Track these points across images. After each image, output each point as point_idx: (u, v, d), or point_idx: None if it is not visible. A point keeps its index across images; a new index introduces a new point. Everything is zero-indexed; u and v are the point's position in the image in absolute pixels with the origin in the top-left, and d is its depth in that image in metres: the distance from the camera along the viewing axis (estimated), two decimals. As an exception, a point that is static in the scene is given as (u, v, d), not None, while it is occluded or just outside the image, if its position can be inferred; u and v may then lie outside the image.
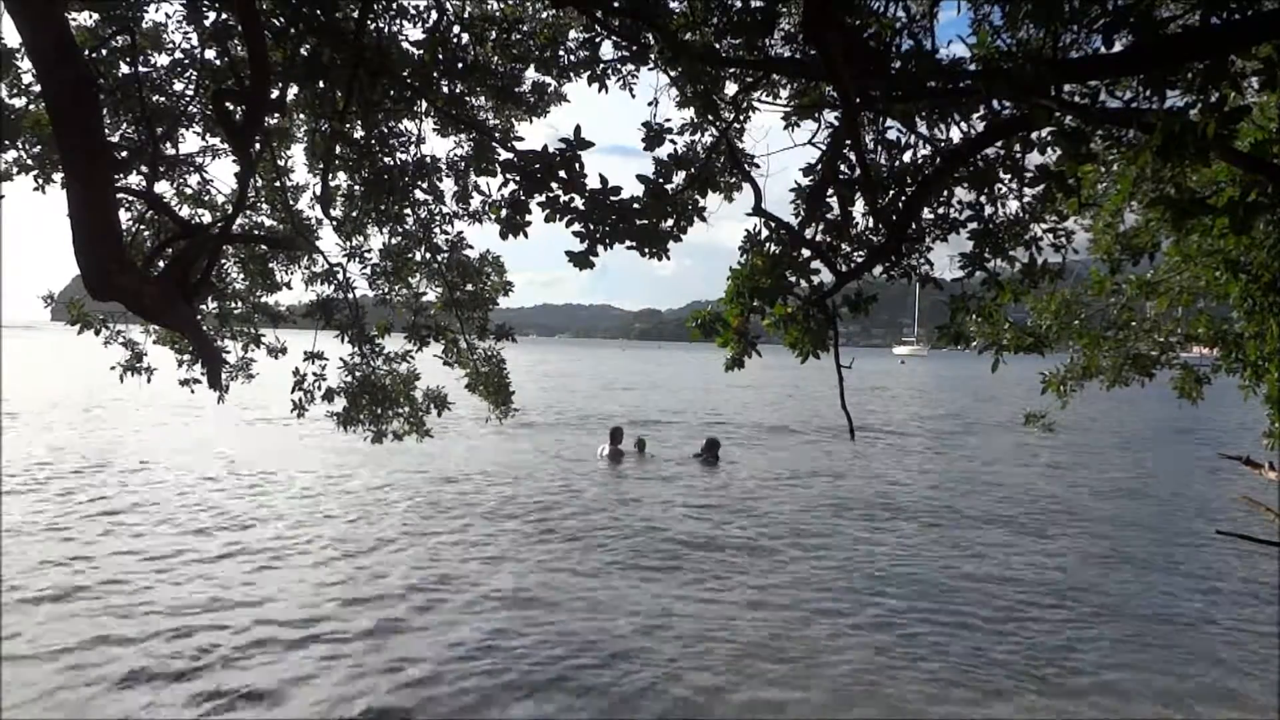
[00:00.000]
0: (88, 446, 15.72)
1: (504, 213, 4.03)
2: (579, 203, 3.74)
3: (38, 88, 5.35)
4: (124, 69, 5.99)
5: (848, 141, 3.93)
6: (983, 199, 4.07)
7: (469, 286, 7.56)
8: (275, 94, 4.94)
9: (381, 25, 5.83)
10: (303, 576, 8.23)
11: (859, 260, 4.25)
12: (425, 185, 6.73)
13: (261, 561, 8.67)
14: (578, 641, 6.75)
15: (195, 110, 6.33)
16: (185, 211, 7.02)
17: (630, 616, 7.36)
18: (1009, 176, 3.93)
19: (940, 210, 4.22)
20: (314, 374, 6.98)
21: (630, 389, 39.41)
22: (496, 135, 5.98)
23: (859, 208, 4.23)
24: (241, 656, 6.23)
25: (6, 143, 5.78)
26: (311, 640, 6.58)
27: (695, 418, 25.44)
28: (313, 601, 7.48)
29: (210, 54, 6.04)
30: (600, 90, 5.77)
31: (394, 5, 5.82)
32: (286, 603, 7.44)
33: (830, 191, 4.18)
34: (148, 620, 6.84)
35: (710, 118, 5.14)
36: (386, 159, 6.54)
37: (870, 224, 4.30)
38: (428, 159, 6.63)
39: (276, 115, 6.19)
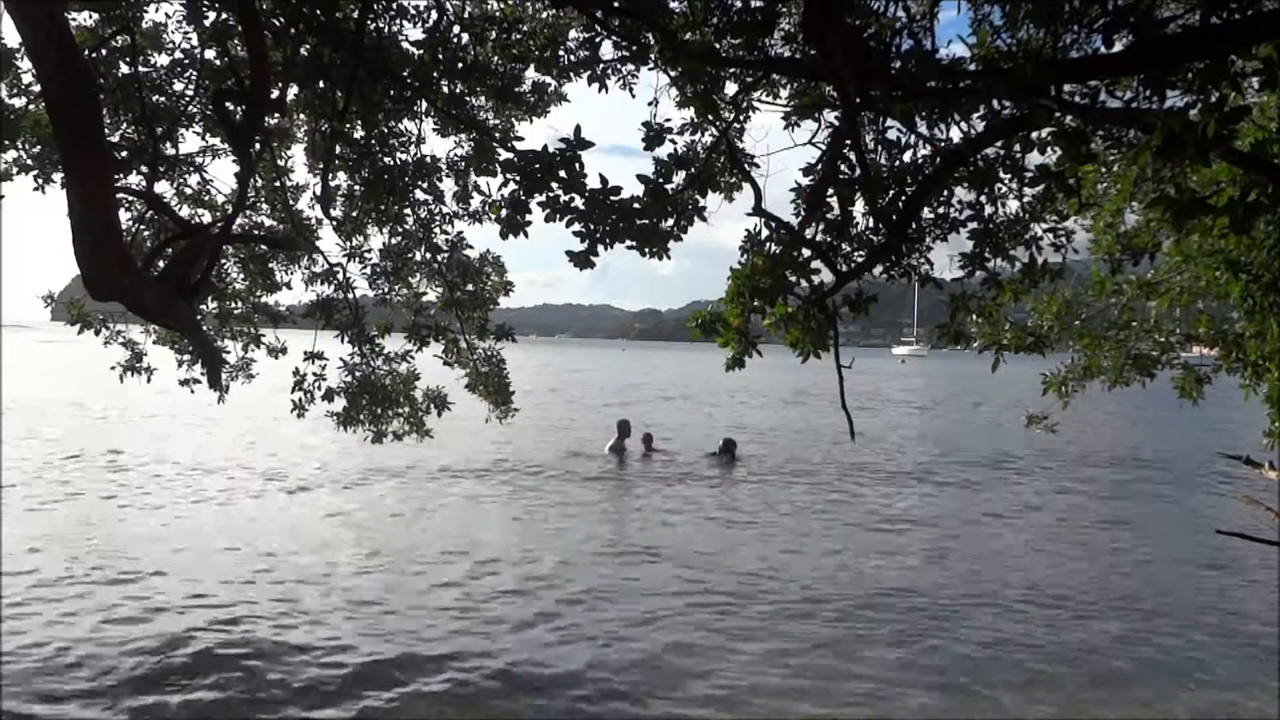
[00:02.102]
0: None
1: (504, 213, 4.03)
2: (579, 203, 3.74)
3: (38, 88, 5.34)
4: (124, 69, 5.99)
5: (848, 141, 3.93)
6: (983, 199, 4.07)
7: (469, 286, 7.57)
8: (275, 94, 4.94)
9: (381, 25, 5.83)
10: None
11: (859, 260, 4.24)
12: (425, 185, 6.73)
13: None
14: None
15: (195, 110, 6.34)
16: (185, 211, 7.03)
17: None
18: (1009, 176, 3.93)
19: (940, 210, 4.22)
20: (314, 374, 6.99)
21: (645, 400, 34.37)
22: (496, 135, 5.98)
23: (859, 208, 4.23)
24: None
25: (6, 143, 5.78)
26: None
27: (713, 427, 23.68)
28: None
29: (210, 54, 6.05)
30: (600, 90, 5.77)
31: (394, 5, 5.82)
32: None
33: (830, 191, 4.18)
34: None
35: (710, 118, 5.14)
36: (386, 159, 6.55)
37: (870, 224, 4.29)
38: (428, 159, 6.64)
39: (276, 115, 6.18)
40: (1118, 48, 2.91)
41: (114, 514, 10.65)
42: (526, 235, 4.11)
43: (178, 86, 6.28)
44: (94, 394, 24.40)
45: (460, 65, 5.94)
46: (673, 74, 4.92)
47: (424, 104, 6.23)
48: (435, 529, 10.48)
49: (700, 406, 31.06)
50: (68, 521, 10.06)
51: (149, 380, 7.17)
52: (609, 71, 5.71)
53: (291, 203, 7.40)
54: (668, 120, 4.52)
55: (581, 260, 3.78)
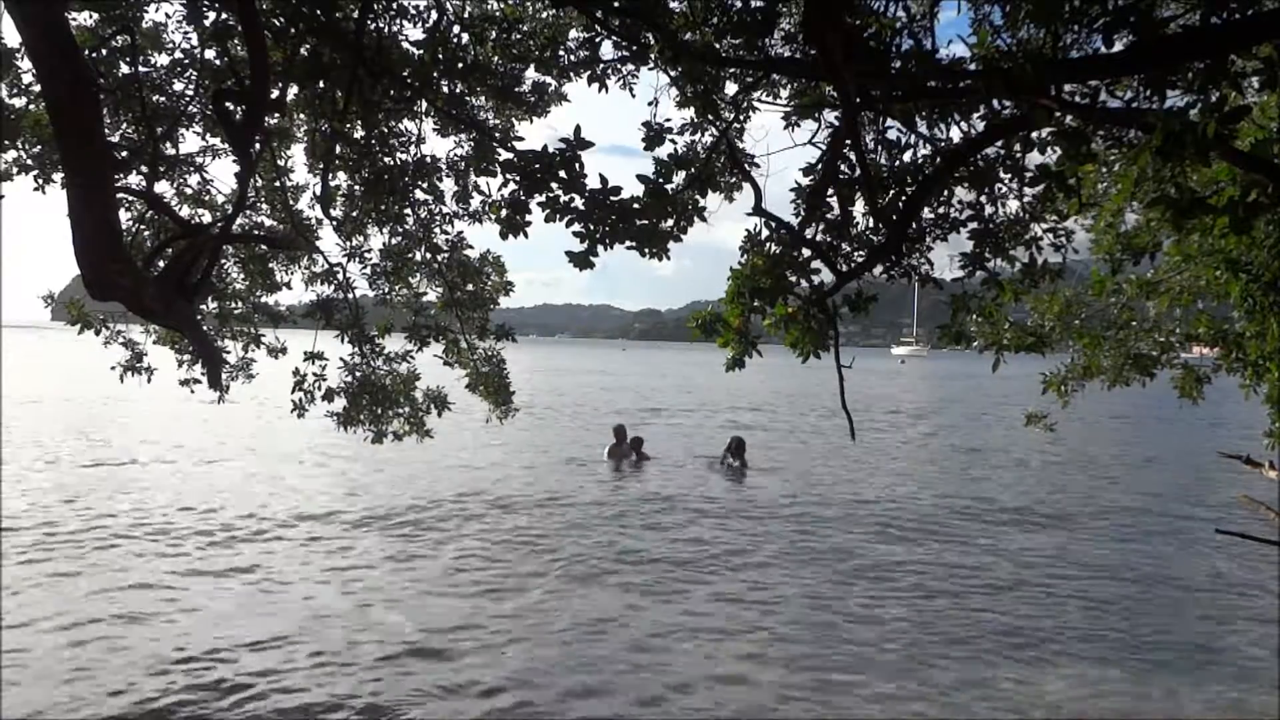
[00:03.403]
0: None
1: (504, 213, 4.03)
2: (579, 203, 3.74)
3: (38, 88, 5.34)
4: (124, 69, 5.98)
5: (848, 141, 3.93)
6: (983, 199, 4.07)
7: (469, 286, 7.55)
8: (275, 94, 4.93)
9: (381, 25, 5.83)
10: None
11: (859, 260, 4.24)
12: (425, 185, 6.72)
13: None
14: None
15: (195, 110, 6.33)
16: (185, 211, 7.02)
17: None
18: (1009, 176, 3.93)
19: (940, 210, 4.22)
20: (314, 374, 6.98)
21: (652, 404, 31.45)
22: (496, 135, 5.98)
23: (859, 208, 4.23)
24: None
25: (6, 143, 5.77)
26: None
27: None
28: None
29: (210, 54, 6.04)
30: (600, 90, 5.77)
31: (394, 5, 5.82)
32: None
33: (830, 191, 4.18)
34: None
35: (710, 118, 5.13)
36: (386, 159, 6.54)
37: (870, 224, 4.30)
38: (428, 159, 6.63)
39: (276, 115, 6.18)
40: (1118, 48, 2.91)
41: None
42: (526, 235, 4.11)
43: (178, 86, 6.27)
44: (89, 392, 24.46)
45: (460, 65, 5.92)
46: (673, 74, 4.92)
47: (424, 104, 6.23)
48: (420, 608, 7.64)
49: (700, 410, 31.04)
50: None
51: (149, 380, 7.17)
52: (609, 71, 5.70)
53: (291, 203, 7.39)
54: (668, 120, 4.53)
55: (581, 260, 3.77)
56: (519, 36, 6.17)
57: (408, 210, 6.94)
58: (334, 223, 7.05)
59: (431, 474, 13.81)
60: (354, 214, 7.05)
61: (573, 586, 8.29)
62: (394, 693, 5.79)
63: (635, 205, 3.79)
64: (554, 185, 3.73)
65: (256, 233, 7.33)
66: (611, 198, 3.70)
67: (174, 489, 12.41)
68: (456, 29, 6.05)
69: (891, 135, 4.31)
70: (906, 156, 4.28)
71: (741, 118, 5.25)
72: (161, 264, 5.48)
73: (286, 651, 6.44)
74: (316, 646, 6.52)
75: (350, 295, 7.41)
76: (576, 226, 3.74)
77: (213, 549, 9.24)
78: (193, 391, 7.28)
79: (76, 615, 7.02)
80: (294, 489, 12.67)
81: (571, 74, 6.19)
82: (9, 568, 8.12)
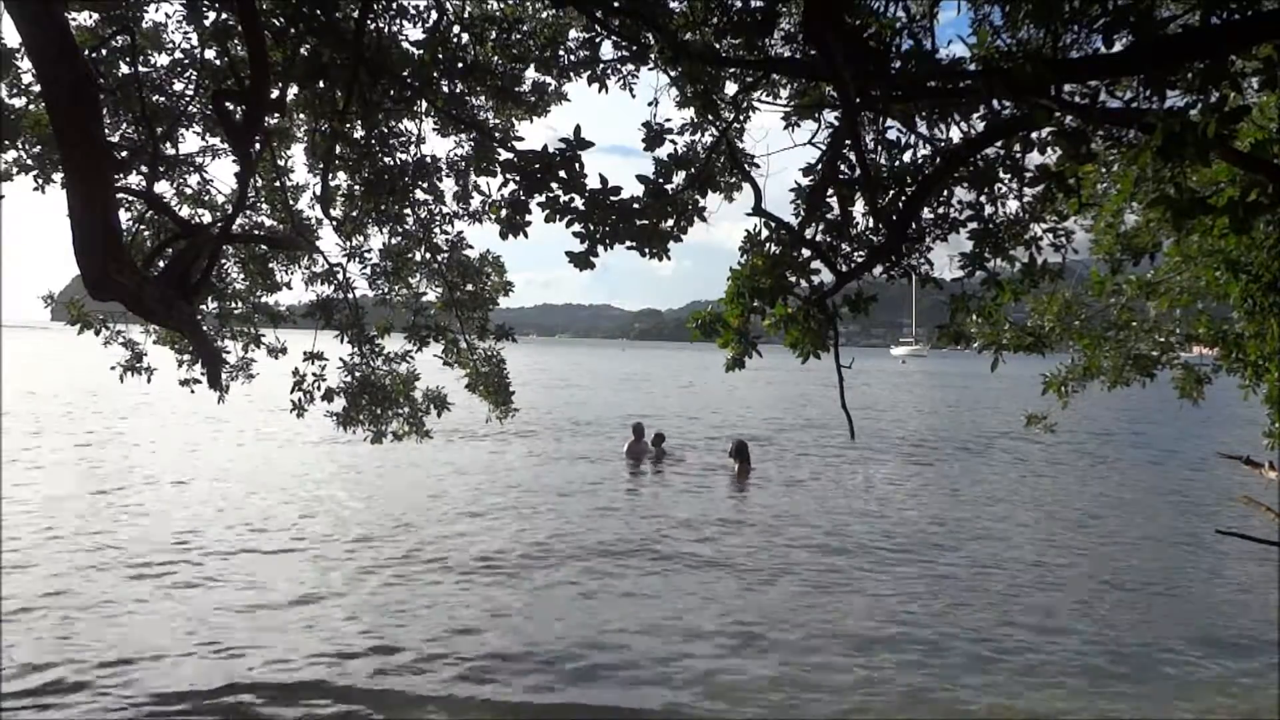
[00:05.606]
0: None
1: (504, 213, 4.03)
2: (579, 203, 3.74)
3: (38, 88, 5.34)
4: (124, 69, 5.99)
5: (848, 141, 3.92)
6: (983, 199, 4.06)
7: (469, 286, 7.56)
8: (275, 94, 4.94)
9: (381, 25, 5.83)
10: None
11: (859, 260, 4.23)
12: (425, 185, 6.72)
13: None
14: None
15: (195, 110, 6.34)
16: (185, 211, 7.02)
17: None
18: (1009, 176, 3.93)
19: (940, 210, 4.22)
20: (314, 374, 6.98)
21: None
22: (496, 135, 5.98)
23: (859, 208, 4.23)
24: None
25: (6, 143, 5.77)
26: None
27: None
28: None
29: (210, 54, 6.05)
30: (600, 90, 5.78)
31: (394, 5, 5.82)
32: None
33: (830, 191, 4.18)
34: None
35: (710, 118, 5.14)
36: (386, 159, 6.54)
37: (870, 224, 4.29)
38: (428, 159, 6.63)
39: (276, 115, 6.18)
40: (1118, 48, 2.91)
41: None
42: (526, 235, 4.12)
43: (178, 86, 6.28)
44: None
45: (460, 65, 5.93)
46: (673, 74, 4.92)
47: (424, 104, 6.23)
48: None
49: (704, 411, 30.99)
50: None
51: (149, 380, 7.17)
52: (609, 71, 5.71)
53: (291, 203, 7.39)
54: (668, 120, 4.53)
55: (581, 261, 3.78)
56: (519, 36, 6.18)
57: (408, 210, 6.94)
58: (334, 223, 7.05)
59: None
60: (354, 214, 7.06)
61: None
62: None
63: (635, 205, 3.79)
64: (554, 185, 3.73)
65: (256, 233, 7.33)
66: (611, 198, 3.70)
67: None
68: (456, 29, 6.06)
69: (891, 135, 4.30)
70: (906, 156, 4.27)
71: (741, 118, 5.25)
72: (161, 264, 5.49)
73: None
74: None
75: (350, 295, 7.41)
76: (576, 226, 3.74)
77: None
78: (193, 391, 7.27)
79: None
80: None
81: (571, 74, 6.20)
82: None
